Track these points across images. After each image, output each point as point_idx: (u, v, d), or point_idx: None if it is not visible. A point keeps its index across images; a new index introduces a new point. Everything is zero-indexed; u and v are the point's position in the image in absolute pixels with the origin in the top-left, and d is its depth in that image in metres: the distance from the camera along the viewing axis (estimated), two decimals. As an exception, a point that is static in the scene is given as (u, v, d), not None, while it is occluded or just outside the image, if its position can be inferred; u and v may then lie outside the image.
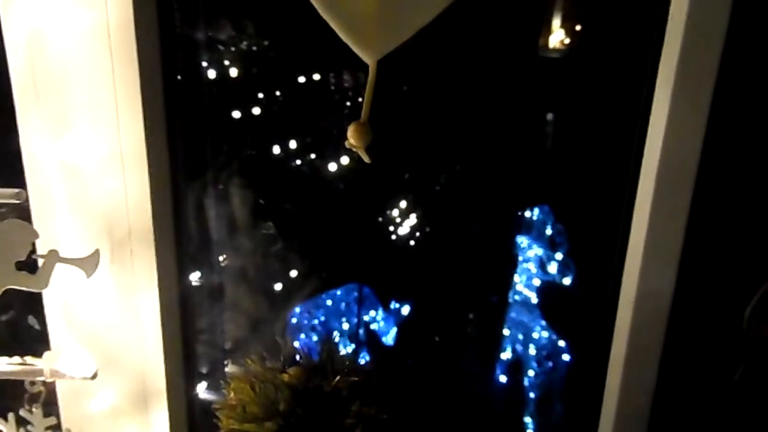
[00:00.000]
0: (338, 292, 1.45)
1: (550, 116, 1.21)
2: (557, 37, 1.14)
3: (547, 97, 1.19)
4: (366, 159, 0.71)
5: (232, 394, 0.74)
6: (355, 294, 1.46)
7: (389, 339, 1.45)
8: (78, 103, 0.86)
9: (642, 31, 0.89)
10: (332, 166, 1.24)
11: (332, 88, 1.20)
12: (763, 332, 0.88)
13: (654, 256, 0.88)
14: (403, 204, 1.32)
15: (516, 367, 1.44)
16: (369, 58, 0.67)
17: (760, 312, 0.88)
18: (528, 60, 1.16)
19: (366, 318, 1.44)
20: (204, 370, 1.16)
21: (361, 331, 1.45)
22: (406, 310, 1.45)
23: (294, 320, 1.37)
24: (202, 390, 1.12)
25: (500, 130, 1.21)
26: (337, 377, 0.71)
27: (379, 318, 1.45)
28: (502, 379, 1.43)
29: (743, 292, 0.88)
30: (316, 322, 1.42)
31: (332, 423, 0.69)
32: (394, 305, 1.45)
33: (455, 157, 1.26)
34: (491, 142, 1.22)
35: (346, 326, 1.45)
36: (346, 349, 1.43)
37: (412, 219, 1.33)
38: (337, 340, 1.41)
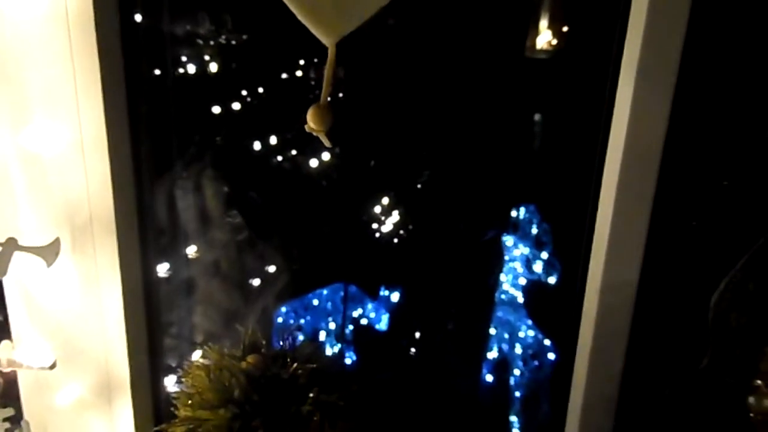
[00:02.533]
0: (324, 292, 1.44)
1: (517, 116, 1.22)
2: (542, 38, 1.13)
3: (519, 97, 1.19)
4: (327, 143, 0.70)
5: (190, 383, 0.73)
6: (337, 290, 1.45)
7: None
8: (37, 90, 0.84)
9: (606, 28, 0.88)
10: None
11: (310, 81, 1.19)
12: (729, 320, 0.88)
13: (619, 245, 0.88)
14: (386, 201, 1.31)
15: (490, 358, 1.44)
16: (327, 40, 0.66)
17: (725, 300, 0.88)
18: (509, 61, 1.16)
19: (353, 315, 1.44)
20: (171, 362, 1.14)
21: (339, 328, 1.44)
22: (388, 309, 1.44)
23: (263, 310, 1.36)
24: (169, 382, 1.11)
25: (468, 130, 1.21)
26: (295, 364, 0.71)
27: (364, 313, 1.44)
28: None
29: (709, 281, 0.88)
30: (284, 310, 1.41)
31: (289, 410, 0.68)
32: (374, 304, 1.44)
33: (434, 159, 1.26)
34: (460, 143, 1.23)
35: (322, 323, 1.45)
36: (332, 349, 1.42)
37: (396, 217, 1.33)
38: (320, 335, 1.41)
